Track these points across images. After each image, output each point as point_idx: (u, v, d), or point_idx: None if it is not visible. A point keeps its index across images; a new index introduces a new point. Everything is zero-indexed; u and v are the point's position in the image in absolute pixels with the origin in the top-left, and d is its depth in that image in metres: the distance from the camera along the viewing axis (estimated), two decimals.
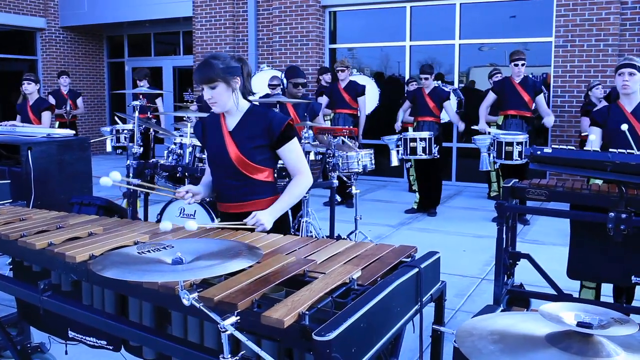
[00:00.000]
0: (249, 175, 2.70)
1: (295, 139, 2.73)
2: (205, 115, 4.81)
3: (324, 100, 7.92)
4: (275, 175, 2.92)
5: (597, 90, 7.24)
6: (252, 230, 2.50)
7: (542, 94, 6.79)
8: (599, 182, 3.63)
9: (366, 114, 8.09)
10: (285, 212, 2.75)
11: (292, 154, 2.72)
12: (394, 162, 6.94)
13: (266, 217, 2.56)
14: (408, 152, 6.86)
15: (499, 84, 6.94)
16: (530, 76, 7.11)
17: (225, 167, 2.72)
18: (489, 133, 6.53)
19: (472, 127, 6.89)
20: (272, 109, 2.91)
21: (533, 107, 6.78)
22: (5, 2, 12.35)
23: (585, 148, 3.37)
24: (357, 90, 7.83)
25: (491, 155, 6.28)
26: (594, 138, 3.67)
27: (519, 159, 6.12)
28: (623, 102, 3.74)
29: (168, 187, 4.94)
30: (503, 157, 6.16)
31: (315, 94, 8.53)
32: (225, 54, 2.72)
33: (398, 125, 7.89)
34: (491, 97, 6.92)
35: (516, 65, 6.66)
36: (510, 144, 6.13)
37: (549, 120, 6.54)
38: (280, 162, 2.85)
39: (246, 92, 2.74)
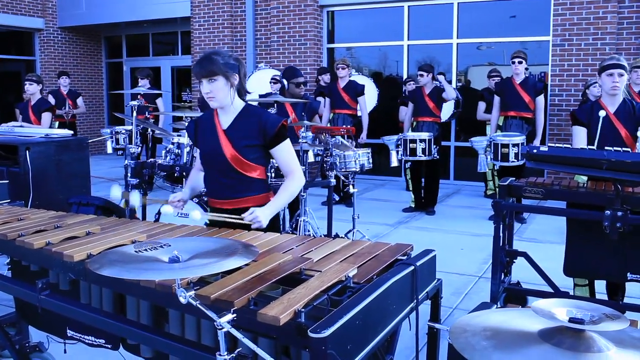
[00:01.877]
0: (242, 172, 2.74)
1: (288, 140, 2.78)
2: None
3: (322, 100, 7.89)
4: (270, 172, 2.97)
5: (595, 88, 7.24)
6: (248, 226, 2.54)
7: (542, 96, 6.79)
8: (584, 178, 3.63)
9: (364, 116, 8.01)
10: (278, 211, 2.80)
11: (285, 153, 2.78)
12: (394, 162, 6.96)
13: (263, 213, 2.60)
14: (408, 153, 6.87)
15: (500, 85, 6.94)
16: (530, 76, 7.11)
17: (220, 165, 2.76)
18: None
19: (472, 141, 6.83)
20: (266, 110, 2.94)
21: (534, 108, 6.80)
22: (3, 2, 12.34)
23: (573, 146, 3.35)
24: (356, 90, 7.79)
25: (488, 156, 6.33)
26: (603, 114, 3.47)
27: (516, 160, 6.17)
28: (605, 101, 3.67)
29: (166, 186, 4.96)
30: (499, 158, 6.21)
31: (314, 94, 8.53)
32: (225, 50, 2.76)
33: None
34: (497, 100, 6.96)
35: (513, 62, 6.69)
36: (506, 145, 6.18)
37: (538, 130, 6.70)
38: (274, 161, 2.89)
39: (242, 91, 2.78)
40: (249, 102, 2.84)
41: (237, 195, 2.77)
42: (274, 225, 2.77)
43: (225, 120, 2.78)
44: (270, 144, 2.74)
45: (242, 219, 2.56)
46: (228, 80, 2.66)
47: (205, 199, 4.50)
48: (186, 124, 5.45)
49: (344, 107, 7.77)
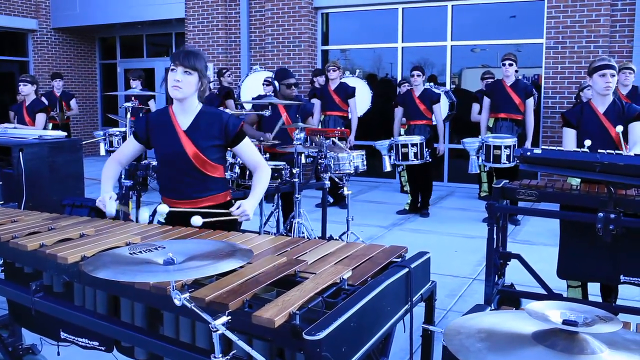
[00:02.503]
0: (204, 172, 2.82)
1: (247, 137, 2.92)
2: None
3: (316, 102, 7.89)
4: (226, 173, 3.10)
5: (589, 91, 7.28)
6: (236, 220, 2.66)
7: (532, 98, 6.83)
8: (577, 180, 3.64)
9: (358, 116, 8.06)
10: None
11: (248, 149, 2.90)
12: (387, 167, 6.96)
13: (250, 206, 2.71)
14: (400, 158, 6.87)
15: (490, 86, 6.98)
16: (521, 78, 7.14)
17: (181, 165, 2.80)
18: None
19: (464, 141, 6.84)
20: (224, 111, 3.04)
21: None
22: None
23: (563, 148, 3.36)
24: (347, 92, 7.79)
25: (480, 158, 6.36)
26: (589, 144, 3.46)
27: (507, 162, 6.21)
28: (595, 102, 3.71)
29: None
30: (491, 160, 6.25)
31: (308, 96, 8.53)
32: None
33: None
34: (487, 102, 6.98)
35: (503, 64, 6.72)
36: (499, 147, 6.23)
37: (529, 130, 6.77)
38: (240, 161, 2.99)
39: (202, 95, 2.86)
40: (204, 105, 2.89)
41: (198, 195, 2.84)
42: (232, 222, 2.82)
43: (183, 120, 2.82)
44: (232, 143, 2.85)
45: (229, 214, 2.64)
46: (200, 81, 2.75)
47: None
48: None
49: (335, 109, 7.78)
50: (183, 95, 2.73)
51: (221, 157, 2.90)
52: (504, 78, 6.81)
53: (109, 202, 2.69)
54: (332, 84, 7.80)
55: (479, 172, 7.18)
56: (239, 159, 4.43)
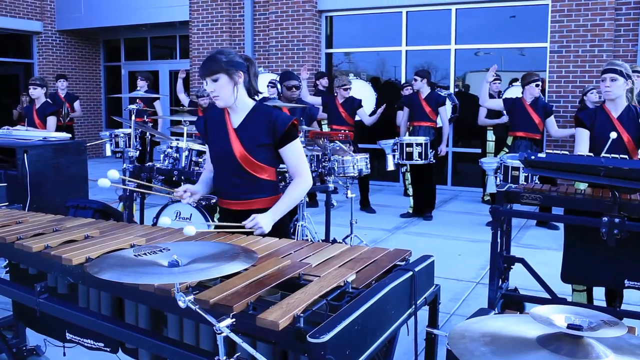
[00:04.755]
0: (252, 173, 2.71)
1: (298, 140, 2.74)
2: None
3: (317, 100, 7.76)
4: (280, 176, 2.92)
5: (592, 95, 7.27)
6: (250, 233, 2.51)
7: (552, 116, 6.71)
8: (585, 185, 3.64)
9: (369, 123, 7.87)
10: (283, 215, 2.74)
11: (294, 154, 2.73)
12: (390, 166, 6.98)
13: (265, 220, 2.56)
14: (404, 157, 6.89)
15: (510, 104, 6.77)
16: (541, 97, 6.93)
17: (229, 164, 2.72)
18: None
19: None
20: (277, 109, 2.92)
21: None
22: (1, 5, 12.35)
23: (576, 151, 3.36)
24: (354, 105, 7.64)
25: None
26: (615, 136, 3.42)
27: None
28: (609, 106, 3.70)
29: (164, 191, 4.95)
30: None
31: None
32: (232, 50, 2.73)
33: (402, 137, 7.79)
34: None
35: (538, 85, 6.53)
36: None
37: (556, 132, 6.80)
38: (282, 165, 2.87)
39: (252, 90, 2.76)
40: (259, 102, 2.81)
41: (246, 196, 2.74)
42: (280, 230, 2.70)
43: (235, 119, 2.75)
44: (280, 143, 2.70)
45: (243, 227, 2.52)
46: (231, 78, 2.63)
47: (204, 203, 4.51)
48: (185, 127, 5.46)
49: (341, 123, 7.54)
50: (225, 102, 2.67)
51: (271, 158, 2.73)
52: (527, 97, 6.62)
53: (181, 189, 2.75)
54: (340, 98, 7.61)
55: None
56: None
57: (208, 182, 2.91)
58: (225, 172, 2.76)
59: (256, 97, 2.81)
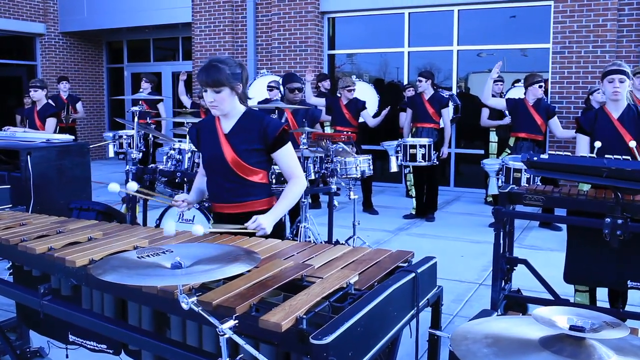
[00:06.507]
0: (244, 177, 2.76)
1: (289, 144, 2.80)
2: None
3: (321, 101, 7.77)
4: (271, 178, 2.96)
5: (598, 95, 7.25)
6: (252, 234, 2.53)
7: (555, 117, 6.68)
8: (588, 186, 3.64)
9: (373, 125, 7.88)
10: (281, 217, 2.78)
11: (287, 158, 2.79)
12: (393, 168, 6.98)
13: (267, 221, 2.59)
14: (407, 159, 6.89)
15: (512, 104, 6.75)
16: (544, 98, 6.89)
17: (221, 169, 2.77)
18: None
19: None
20: (267, 114, 2.95)
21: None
22: (4, 7, 12.39)
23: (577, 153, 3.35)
24: (357, 106, 7.66)
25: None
26: (599, 145, 3.46)
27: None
28: (610, 108, 3.69)
29: (167, 192, 4.97)
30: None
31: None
32: (230, 58, 2.75)
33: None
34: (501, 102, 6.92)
35: (541, 86, 6.52)
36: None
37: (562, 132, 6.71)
38: (276, 167, 2.89)
39: (243, 97, 2.80)
40: (250, 107, 2.85)
41: (239, 200, 2.79)
42: (277, 231, 2.76)
43: (226, 124, 2.80)
44: (272, 148, 2.75)
45: (245, 228, 2.54)
46: (233, 91, 2.69)
47: (207, 204, 4.52)
48: (187, 129, 5.47)
49: (345, 124, 7.59)
50: (222, 111, 2.72)
51: (262, 162, 2.79)
52: (530, 98, 6.58)
53: (174, 201, 2.83)
54: (344, 100, 7.65)
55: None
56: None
57: (201, 189, 2.99)
58: (217, 176, 2.81)
59: (245, 103, 2.84)
